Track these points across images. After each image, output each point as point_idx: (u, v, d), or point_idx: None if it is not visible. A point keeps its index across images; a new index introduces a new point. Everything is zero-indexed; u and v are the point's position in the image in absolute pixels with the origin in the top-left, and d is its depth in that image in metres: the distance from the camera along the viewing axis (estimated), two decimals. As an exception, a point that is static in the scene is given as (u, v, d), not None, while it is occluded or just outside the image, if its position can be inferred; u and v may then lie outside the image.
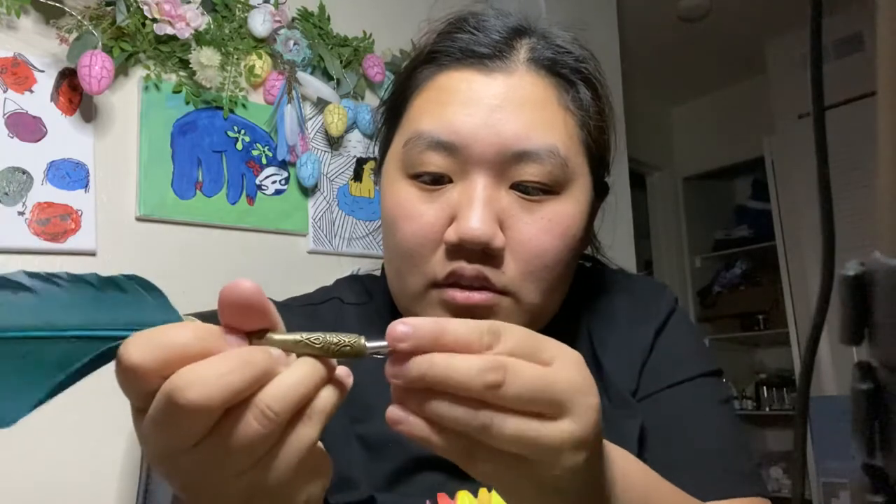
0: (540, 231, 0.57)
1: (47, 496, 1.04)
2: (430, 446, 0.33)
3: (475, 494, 0.57)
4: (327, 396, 0.34)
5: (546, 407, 0.33)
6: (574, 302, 0.67)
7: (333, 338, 0.34)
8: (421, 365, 0.32)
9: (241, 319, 0.33)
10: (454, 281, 0.56)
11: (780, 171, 3.20)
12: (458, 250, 0.55)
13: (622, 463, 0.42)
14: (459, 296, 0.56)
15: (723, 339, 3.74)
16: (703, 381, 0.64)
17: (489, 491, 0.57)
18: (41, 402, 0.31)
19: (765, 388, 3.61)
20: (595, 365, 0.65)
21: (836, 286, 0.27)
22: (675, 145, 3.96)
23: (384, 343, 0.33)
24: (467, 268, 0.55)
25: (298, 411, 0.33)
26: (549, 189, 0.57)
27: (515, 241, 0.56)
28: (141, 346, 0.30)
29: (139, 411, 0.32)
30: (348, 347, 0.34)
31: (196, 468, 0.32)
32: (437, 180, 0.58)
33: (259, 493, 0.33)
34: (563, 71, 0.61)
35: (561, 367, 0.35)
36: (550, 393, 0.33)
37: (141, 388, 0.31)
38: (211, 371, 0.30)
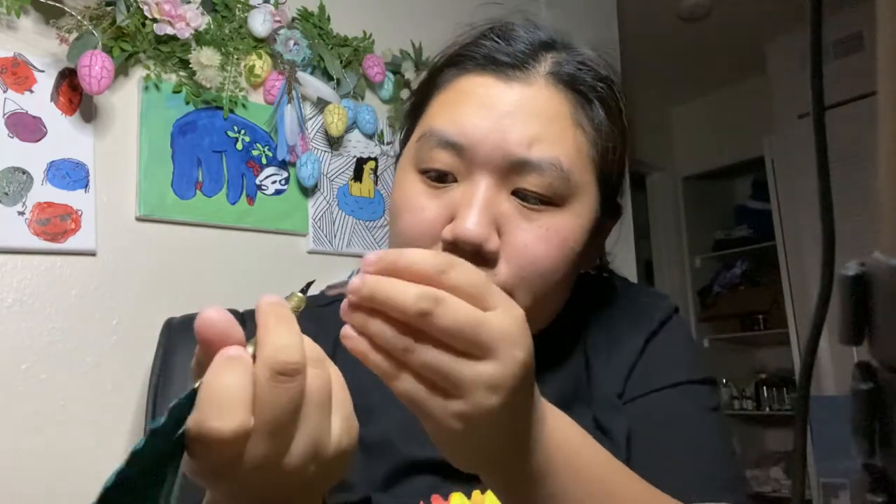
0: (536, 239, 0.57)
1: (48, 496, 1.04)
2: (366, 362, 0.37)
3: (468, 496, 0.57)
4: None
5: (469, 346, 0.36)
6: (575, 308, 0.68)
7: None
8: (370, 284, 0.36)
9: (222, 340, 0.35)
10: None
11: (780, 171, 3.20)
12: (453, 249, 0.56)
13: (559, 425, 0.45)
14: None
15: (723, 339, 3.74)
16: (691, 387, 0.64)
17: (482, 493, 0.57)
18: None
19: (765, 388, 3.61)
20: (586, 369, 0.66)
21: (836, 286, 0.27)
22: (675, 145, 3.96)
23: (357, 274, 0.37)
24: None
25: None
26: (549, 200, 0.58)
27: (510, 245, 0.57)
28: (221, 415, 0.33)
29: (218, 468, 0.35)
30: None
31: (260, 468, 0.34)
32: (443, 178, 0.59)
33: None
34: (581, 88, 0.61)
35: (499, 315, 0.37)
36: (476, 334, 0.36)
37: (241, 444, 0.34)
38: (223, 397, 0.34)
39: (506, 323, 0.37)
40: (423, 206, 0.59)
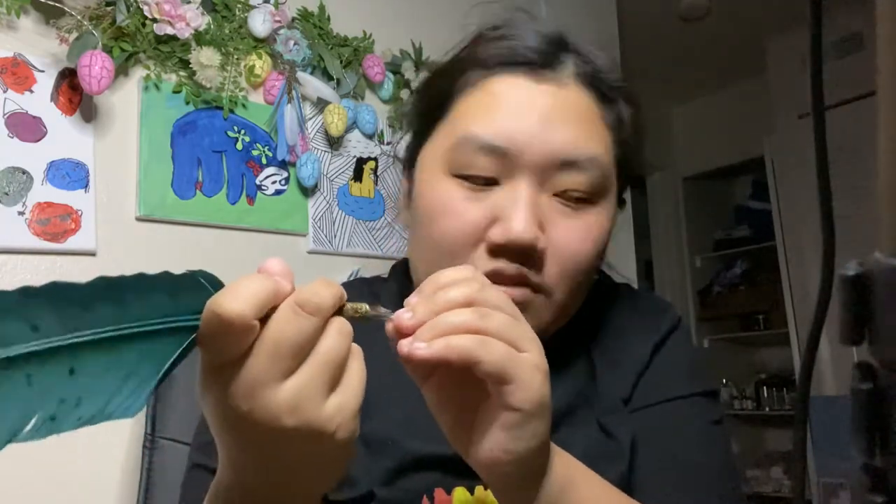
0: (578, 236, 0.59)
1: (48, 497, 1.04)
2: (449, 353, 0.39)
3: (471, 492, 0.57)
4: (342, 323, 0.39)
5: (518, 340, 0.41)
6: (579, 313, 0.69)
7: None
8: (418, 307, 0.41)
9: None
10: (493, 279, 0.58)
11: (780, 171, 3.20)
12: (502, 251, 0.57)
13: (567, 458, 0.48)
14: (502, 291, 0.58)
15: (723, 339, 3.74)
16: (698, 399, 0.65)
17: (485, 489, 0.57)
18: (150, 394, 0.35)
19: (765, 388, 3.61)
20: (589, 373, 0.66)
21: (836, 286, 0.27)
22: (675, 145, 3.96)
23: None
24: (509, 267, 0.57)
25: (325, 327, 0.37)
26: (587, 198, 0.60)
27: (555, 244, 0.58)
28: (234, 301, 0.35)
29: (219, 367, 0.36)
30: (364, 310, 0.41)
31: (246, 387, 0.36)
32: (484, 182, 0.59)
33: (297, 436, 0.37)
34: (603, 88, 0.63)
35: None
36: (524, 330, 0.42)
37: (242, 337, 0.35)
38: (321, 290, 0.37)
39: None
40: (464, 210, 0.59)
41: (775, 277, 3.30)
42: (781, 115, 3.13)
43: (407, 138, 0.71)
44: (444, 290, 0.41)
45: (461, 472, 0.51)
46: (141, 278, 0.35)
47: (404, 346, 0.39)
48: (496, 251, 0.58)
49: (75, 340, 0.32)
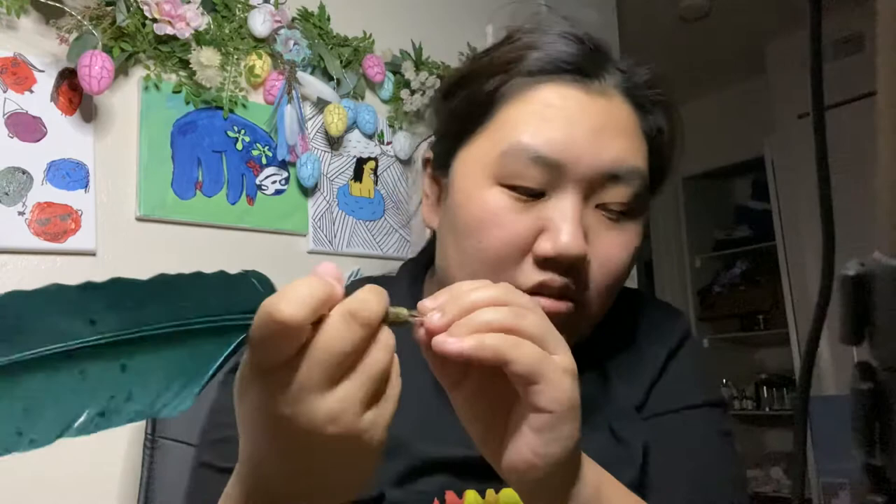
0: (620, 248, 0.60)
1: (48, 496, 1.04)
2: (481, 352, 0.39)
3: (483, 495, 0.57)
4: (388, 336, 0.39)
5: (548, 342, 0.41)
6: None
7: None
8: (446, 304, 0.41)
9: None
10: (539, 291, 0.59)
11: (780, 171, 3.20)
12: (550, 263, 0.58)
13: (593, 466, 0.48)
14: (549, 304, 0.58)
15: (723, 339, 3.74)
16: (709, 410, 0.67)
17: (496, 493, 0.57)
18: (198, 393, 0.36)
19: (765, 388, 3.61)
20: (602, 377, 0.66)
21: (836, 286, 0.27)
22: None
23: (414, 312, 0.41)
24: (557, 279, 0.58)
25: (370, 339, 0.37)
26: (628, 210, 0.61)
27: (598, 256, 0.59)
28: (289, 304, 0.34)
29: (265, 370, 0.36)
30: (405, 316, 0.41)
31: (292, 392, 0.35)
32: (532, 192, 0.59)
33: (335, 442, 0.37)
34: (641, 99, 0.64)
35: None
36: (553, 332, 0.42)
37: (293, 339, 0.35)
38: (370, 297, 0.37)
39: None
40: (512, 221, 0.58)
41: (775, 277, 3.30)
42: (781, 115, 3.13)
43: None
44: (473, 291, 0.41)
45: (472, 475, 0.51)
46: (197, 277, 0.36)
47: (438, 341, 0.39)
48: (544, 263, 0.58)
49: (129, 336, 0.33)
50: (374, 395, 0.38)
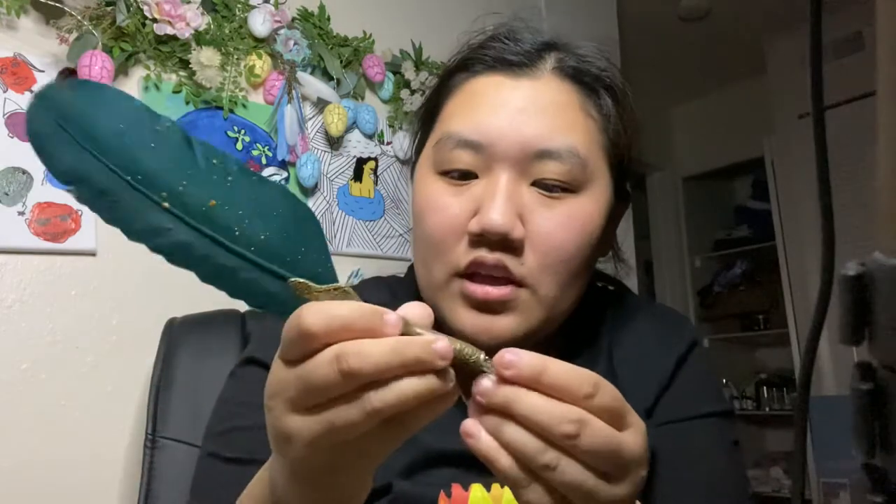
0: (558, 225, 0.60)
1: (49, 496, 1.04)
2: (493, 465, 0.35)
3: (488, 489, 0.58)
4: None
5: (608, 467, 0.35)
6: (599, 320, 0.71)
7: (464, 347, 0.36)
8: (508, 395, 0.34)
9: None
10: (475, 270, 0.60)
11: (780, 171, 3.20)
12: (480, 240, 0.59)
13: None
14: (478, 290, 0.59)
15: (723, 339, 3.74)
16: (718, 420, 0.67)
17: (502, 487, 0.58)
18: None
19: (765, 388, 3.61)
20: (612, 380, 0.67)
21: (836, 286, 0.27)
22: (675, 145, 3.96)
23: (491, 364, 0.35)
24: (488, 256, 0.58)
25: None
26: (568, 187, 0.60)
27: (535, 233, 0.59)
28: (316, 315, 0.34)
29: (287, 362, 0.36)
30: (473, 360, 0.36)
31: (317, 428, 0.35)
32: (464, 176, 0.61)
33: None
34: (586, 79, 0.64)
35: (633, 435, 0.37)
36: (617, 457, 0.35)
37: (306, 347, 0.35)
38: (374, 349, 0.34)
39: (638, 442, 0.37)
40: (447, 204, 0.61)
41: (775, 277, 3.29)
42: (781, 115, 3.12)
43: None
44: (542, 385, 0.35)
45: (479, 468, 0.51)
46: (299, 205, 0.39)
47: (470, 425, 0.35)
48: (475, 241, 0.59)
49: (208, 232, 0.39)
50: (332, 433, 0.35)
